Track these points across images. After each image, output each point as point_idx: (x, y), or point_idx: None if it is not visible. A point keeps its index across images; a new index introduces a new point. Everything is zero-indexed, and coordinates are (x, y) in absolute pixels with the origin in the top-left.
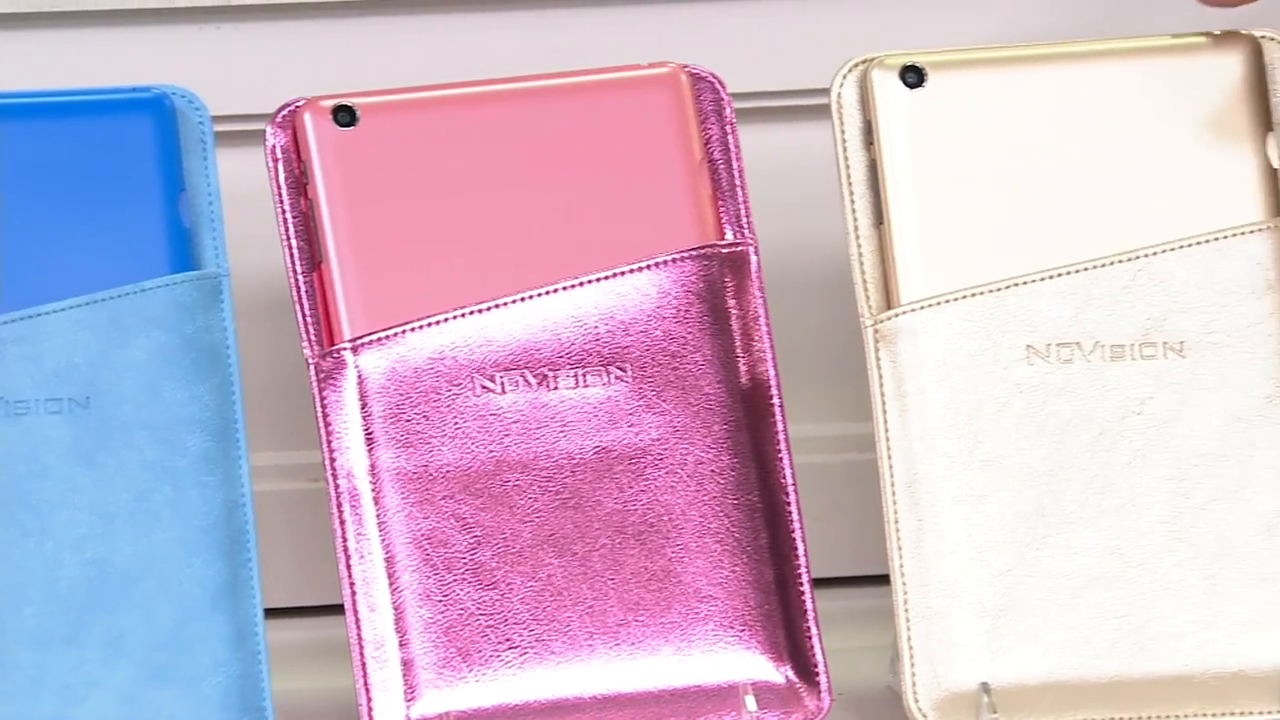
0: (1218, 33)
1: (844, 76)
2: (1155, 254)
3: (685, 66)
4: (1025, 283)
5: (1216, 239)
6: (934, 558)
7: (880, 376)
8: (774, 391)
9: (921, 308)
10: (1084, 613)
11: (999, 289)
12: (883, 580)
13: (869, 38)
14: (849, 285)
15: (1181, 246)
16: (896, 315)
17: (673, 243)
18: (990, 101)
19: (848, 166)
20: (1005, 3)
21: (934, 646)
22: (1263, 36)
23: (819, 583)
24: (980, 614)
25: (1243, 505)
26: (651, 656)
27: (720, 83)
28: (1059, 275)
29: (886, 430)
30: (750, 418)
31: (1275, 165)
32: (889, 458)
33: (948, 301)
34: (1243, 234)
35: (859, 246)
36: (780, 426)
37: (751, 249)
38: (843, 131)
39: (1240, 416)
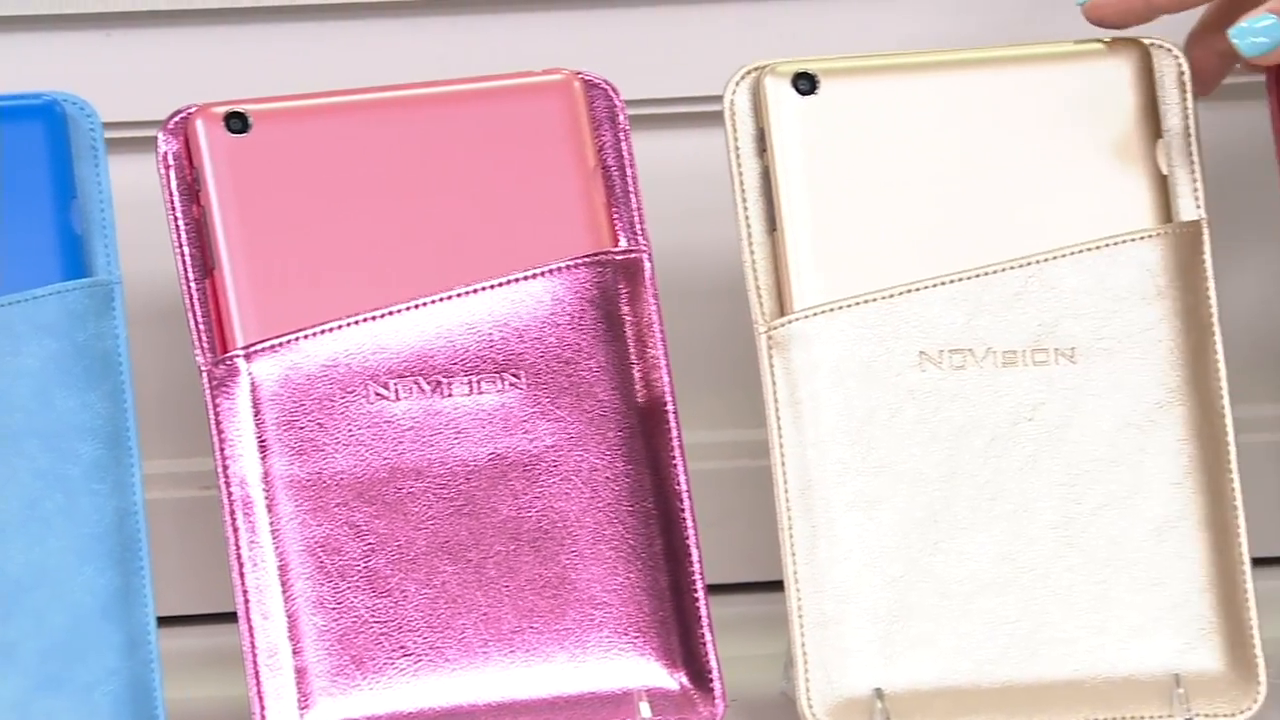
0: (1109, 40)
1: (737, 84)
2: (1047, 260)
3: (579, 73)
4: (918, 289)
5: (1107, 245)
6: (827, 564)
7: (774, 383)
8: (668, 398)
9: (815, 314)
10: (976, 618)
11: (892, 295)
12: (777, 586)
13: (763, 45)
14: (744, 292)
15: (1073, 253)
16: (790, 322)
17: (567, 249)
18: (883, 108)
19: (741, 173)
20: (903, 8)
21: (828, 652)
22: (1153, 44)
23: (713, 589)
24: (874, 620)
25: (1133, 511)
26: (546, 663)
27: (614, 89)
28: (951, 282)
29: (780, 437)
30: (645, 424)
31: (1165, 172)
32: (783, 464)
33: (841, 308)
34: (1133, 240)
35: (752, 253)
36: (674, 433)
37: (645, 256)
38: (735, 139)
39: (1131, 422)
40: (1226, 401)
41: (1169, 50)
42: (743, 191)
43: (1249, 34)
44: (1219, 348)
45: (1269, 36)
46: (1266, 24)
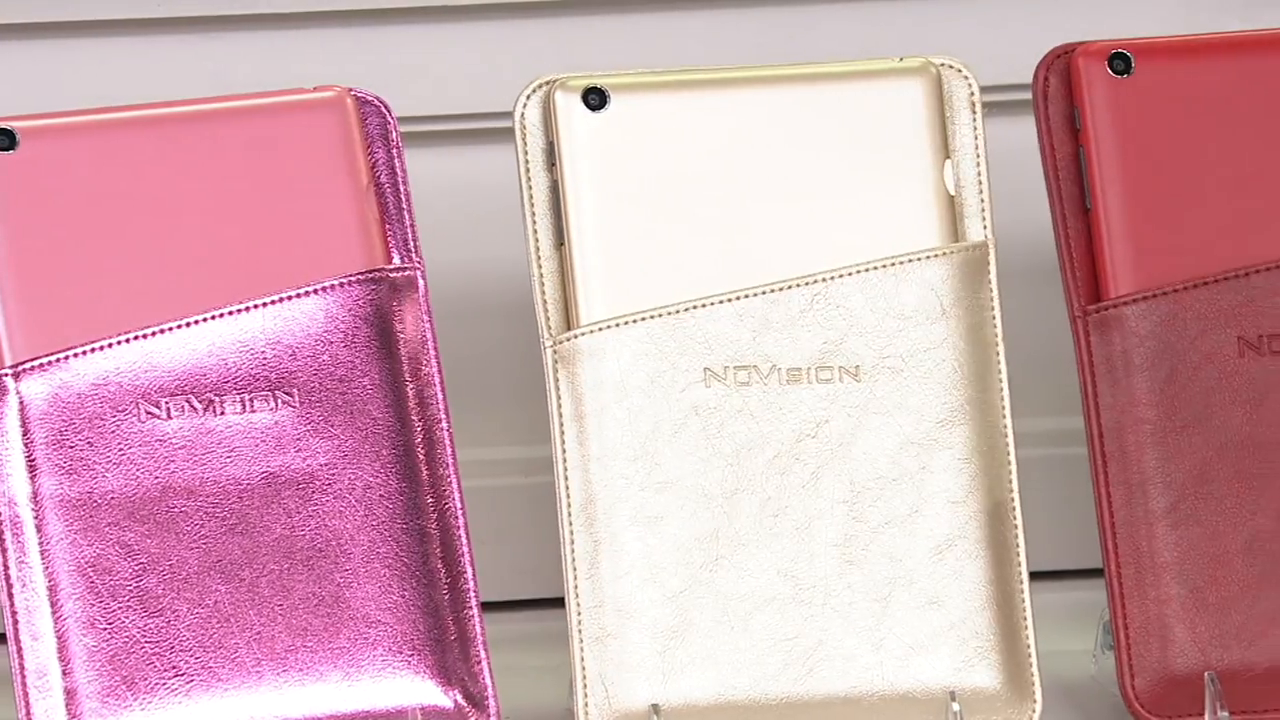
0: (900, 60)
1: (527, 98)
2: (833, 279)
3: (351, 90)
4: (704, 305)
5: (894, 265)
6: (609, 579)
7: (559, 398)
8: (442, 416)
9: (601, 329)
10: (756, 634)
11: (678, 311)
12: (556, 603)
13: (552, 60)
14: (527, 308)
15: (859, 271)
16: (576, 336)
17: (340, 267)
18: (673, 124)
19: (530, 188)
20: (689, 23)
21: (607, 668)
22: (942, 65)
23: (489, 606)
24: (653, 635)
25: (914, 529)
26: (320, 682)
27: (386, 107)
28: (738, 298)
29: (564, 451)
30: (419, 442)
31: (952, 193)
32: (566, 479)
33: (627, 323)
34: (919, 260)
35: (540, 268)
36: (449, 450)
37: (419, 273)
38: (525, 153)
39: (913, 441)
40: (1009, 420)
41: (959, 71)
42: (531, 205)
43: None
44: (1003, 367)
45: None
46: None
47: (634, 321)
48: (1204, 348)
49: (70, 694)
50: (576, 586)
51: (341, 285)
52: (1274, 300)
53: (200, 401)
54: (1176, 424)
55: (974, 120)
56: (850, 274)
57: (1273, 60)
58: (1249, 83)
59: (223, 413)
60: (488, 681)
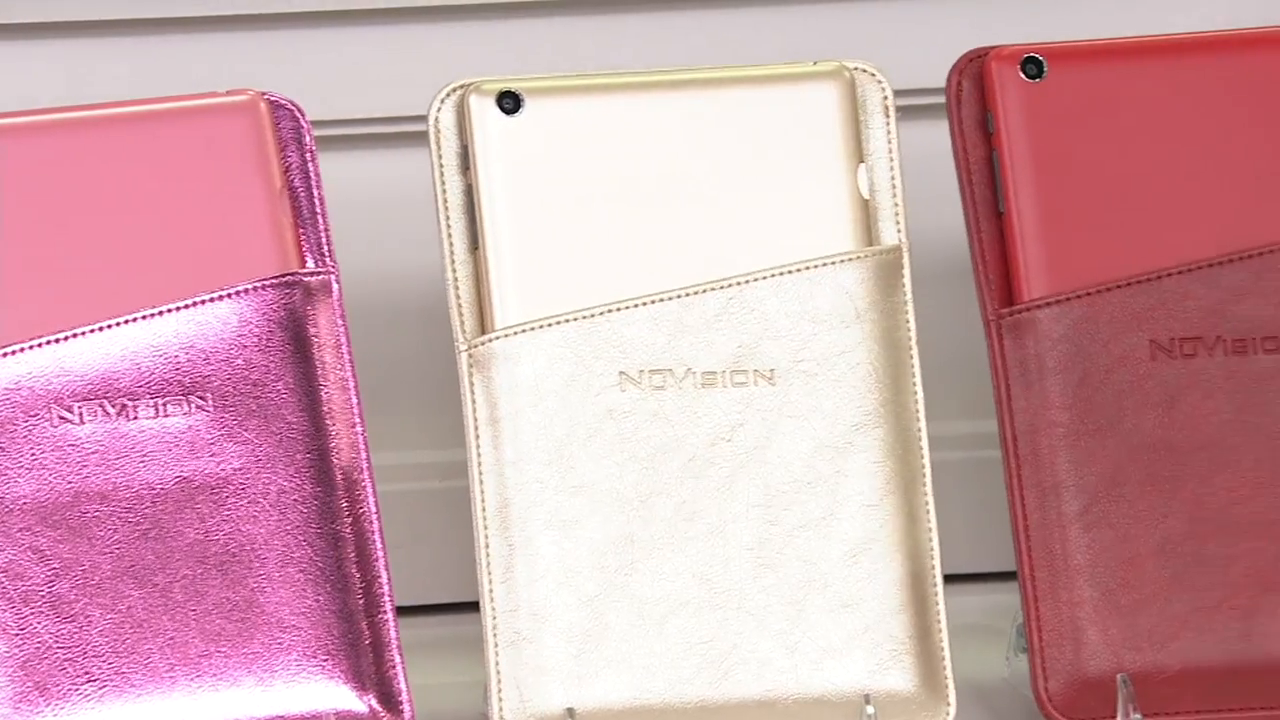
0: (814, 64)
1: (441, 101)
2: (748, 283)
3: (264, 94)
4: (619, 309)
5: (808, 269)
6: (524, 583)
7: (473, 402)
8: (357, 420)
9: (516, 333)
10: (670, 638)
11: (593, 315)
12: (471, 608)
13: (467, 63)
14: (441, 312)
15: (774, 275)
16: (491, 340)
17: (253, 271)
18: (588, 128)
19: (444, 191)
20: (603, 27)
21: (522, 672)
22: (856, 69)
23: (407, 611)
24: (568, 639)
25: (829, 532)
26: (234, 688)
27: (300, 110)
28: (653, 302)
29: (479, 455)
30: (334, 446)
31: (866, 196)
32: (481, 483)
33: (542, 327)
34: (833, 264)
35: (454, 271)
36: (363, 455)
37: (333, 277)
38: (440, 156)
39: (828, 444)
40: (923, 424)
41: (873, 75)
42: (446, 209)
43: None
44: (917, 370)
45: None
46: None
47: (549, 325)
48: (1116, 351)
49: None
50: (491, 591)
51: (255, 289)
52: (1185, 303)
53: (113, 406)
54: (1089, 427)
55: (887, 124)
56: (764, 278)
57: (1185, 64)
58: (1161, 86)
59: (136, 417)
60: (402, 686)
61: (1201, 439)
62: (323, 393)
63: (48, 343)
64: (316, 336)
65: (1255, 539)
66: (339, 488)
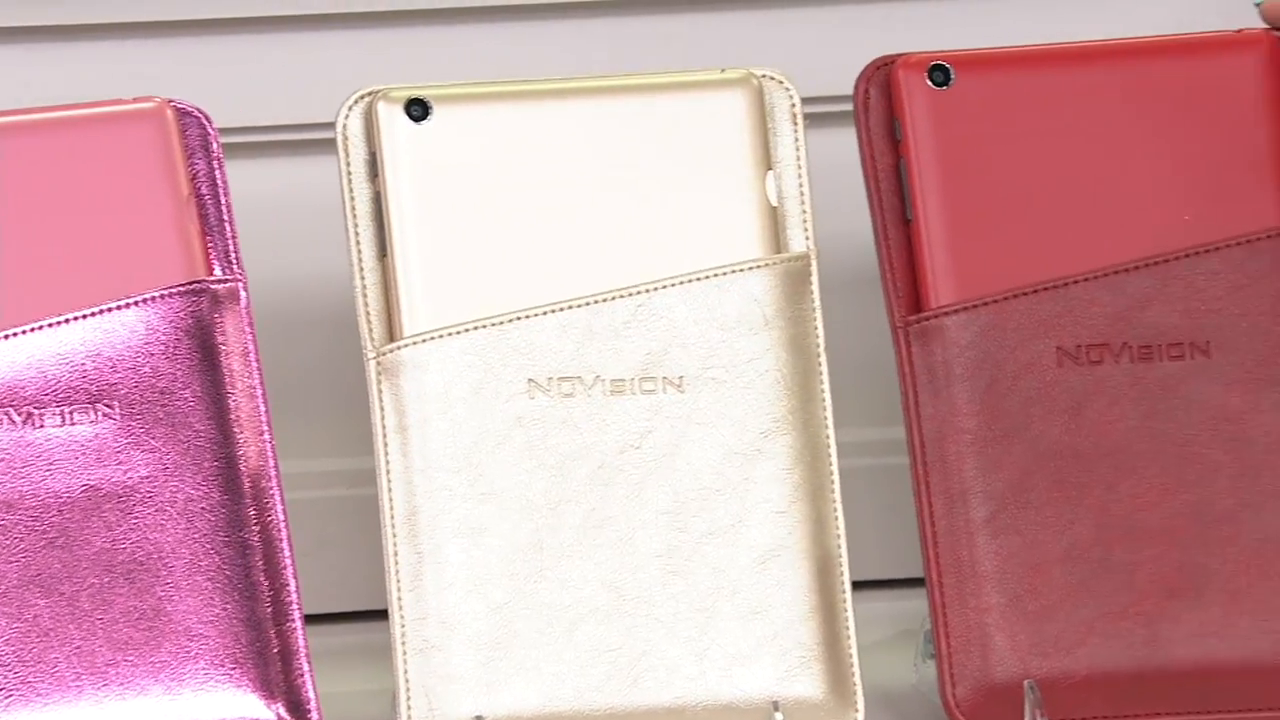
0: (722, 71)
1: (349, 109)
2: (657, 290)
3: (171, 102)
4: (528, 316)
5: (716, 276)
6: (433, 591)
7: (382, 409)
8: (265, 428)
9: (424, 340)
10: (580, 645)
11: (502, 322)
12: (380, 615)
13: (375, 71)
14: (350, 320)
15: (682, 283)
16: (399, 348)
17: (160, 279)
18: (496, 135)
19: (352, 199)
20: (512, 36)
21: (430, 679)
22: (764, 76)
23: (316, 619)
24: (477, 647)
25: (738, 539)
26: (141, 696)
27: (206, 118)
28: (562, 310)
29: (387, 463)
30: (242, 454)
31: (774, 204)
32: (389, 490)
33: (451, 334)
34: (741, 271)
35: (363, 279)
36: (271, 463)
37: (241, 285)
38: (348, 164)
39: (737, 451)
40: (831, 430)
41: (780, 83)
42: (354, 217)
43: None
44: (825, 377)
45: None
46: None
47: (457, 333)
48: (1023, 358)
49: None
50: (400, 598)
51: (162, 297)
52: (1092, 310)
53: (19, 414)
54: (996, 433)
55: (795, 132)
56: (673, 285)
57: (1090, 71)
58: (1067, 94)
59: (42, 425)
60: (310, 694)
61: (1108, 445)
62: (230, 400)
63: None
64: (224, 344)
65: (1160, 545)
66: (247, 496)
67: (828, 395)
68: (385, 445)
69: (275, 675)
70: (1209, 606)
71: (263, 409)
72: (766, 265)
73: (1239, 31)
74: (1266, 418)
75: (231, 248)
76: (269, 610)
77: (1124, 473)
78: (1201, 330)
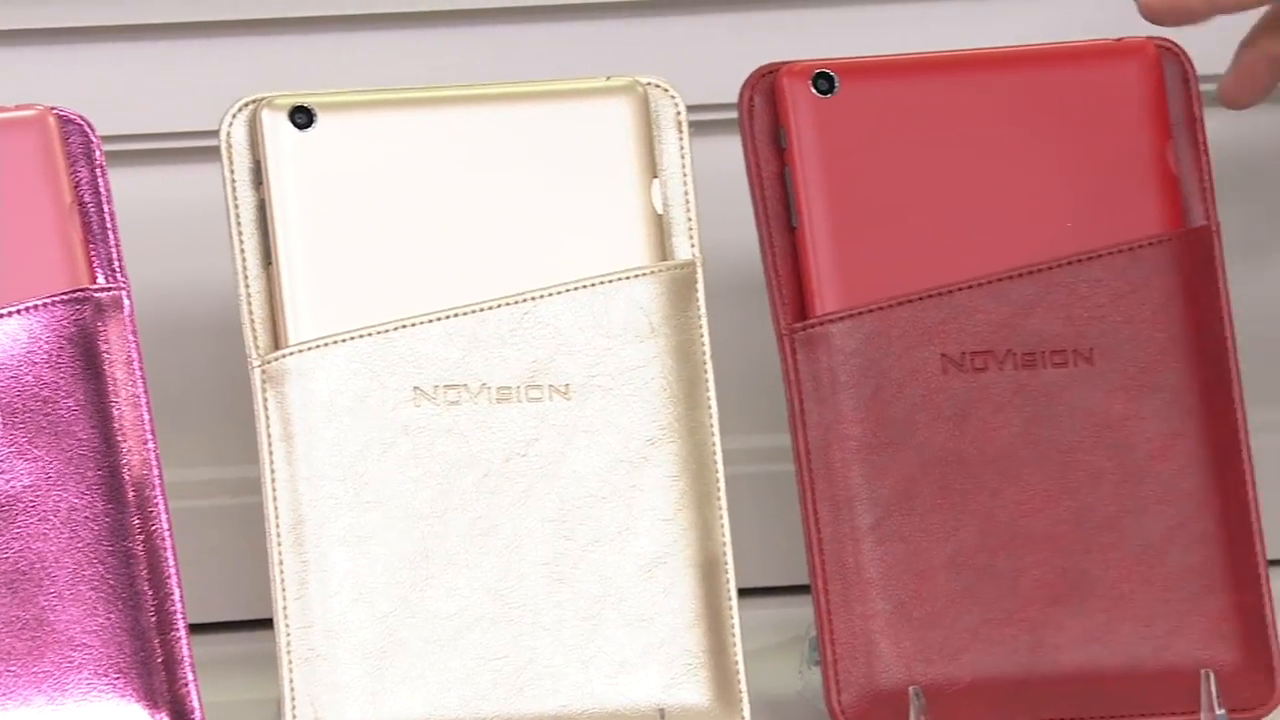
0: (607, 79)
1: (233, 116)
2: (542, 298)
3: (53, 109)
4: (413, 324)
5: (602, 283)
6: (318, 599)
7: (267, 418)
8: (149, 436)
9: (309, 348)
10: (465, 653)
11: (387, 330)
12: (265, 624)
13: (259, 78)
14: (235, 328)
15: (568, 290)
16: (284, 356)
17: (43, 287)
18: (382, 143)
19: (237, 206)
20: (397, 46)
21: (316, 689)
22: (649, 84)
23: (200, 628)
24: (363, 656)
25: (624, 547)
26: (24, 707)
27: (89, 125)
28: (447, 317)
29: (273, 471)
30: (125, 463)
31: (660, 211)
32: (274, 499)
33: (336, 342)
34: (627, 278)
35: (247, 287)
36: (155, 472)
37: (125, 293)
38: (232, 171)
39: (623, 459)
40: (717, 438)
41: (666, 90)
42: (238, 224)
43: None
44: (711, 385)
45: None
46: None
47: (342, 341)
48: (908, 365)
49: None
50: (285, 607)
51: (44, 305)
52: (976, 317)
53: None
54: (881, 440)
55: (680, 139)
56: (558, 292)
57: (974, 79)
58: (952, 101)
59: None
60: (195, 704)
61: (992, 452)
62: (114, 409)
63: None
64: (108, 352)
65: (1043, 551)
66: (131, 505)
67: (714, 402)
68: (270, 454)
69: (160, 685)
70: (1092, 613)
71: (147, 417)
72: (652, 273)
73: (1119, 40)
74: (1148, 424)
75: (115, 256)
76: (153, 619)
77: (1008, 479)
78: (1084, 337)
